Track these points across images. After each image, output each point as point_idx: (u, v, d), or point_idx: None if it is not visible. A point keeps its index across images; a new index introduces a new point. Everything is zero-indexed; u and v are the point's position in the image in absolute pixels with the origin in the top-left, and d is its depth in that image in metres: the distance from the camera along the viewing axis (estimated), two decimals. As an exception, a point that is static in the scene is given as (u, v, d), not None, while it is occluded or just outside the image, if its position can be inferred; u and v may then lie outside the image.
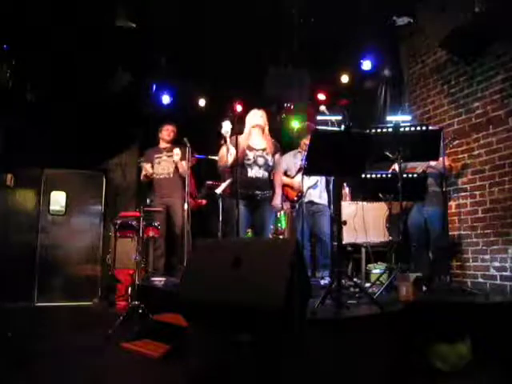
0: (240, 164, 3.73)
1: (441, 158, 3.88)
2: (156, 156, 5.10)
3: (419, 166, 4.24)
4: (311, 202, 4.63)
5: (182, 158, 4.79)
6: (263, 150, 3.92)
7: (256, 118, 3.94)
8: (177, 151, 4.84)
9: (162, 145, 5.16)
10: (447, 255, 4.13)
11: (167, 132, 5.12)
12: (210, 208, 5.40)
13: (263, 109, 4.08)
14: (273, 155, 3.98)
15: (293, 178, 4.72)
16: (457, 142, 4.47)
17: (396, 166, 3.82)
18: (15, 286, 5.28)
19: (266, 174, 3.93)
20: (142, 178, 5.16)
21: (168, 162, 5.02)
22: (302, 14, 4.90)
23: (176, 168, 4.91)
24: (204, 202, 5.57)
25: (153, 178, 5.07)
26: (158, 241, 4.99)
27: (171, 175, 4.96)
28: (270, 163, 3.96)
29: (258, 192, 3.85)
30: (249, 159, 3.85)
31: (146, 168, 5.01)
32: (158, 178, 5.05)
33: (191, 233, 4.87)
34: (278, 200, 4.07)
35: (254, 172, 3.86)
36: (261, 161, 3.89)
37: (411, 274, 3.13)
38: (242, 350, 2.08)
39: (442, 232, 4.21)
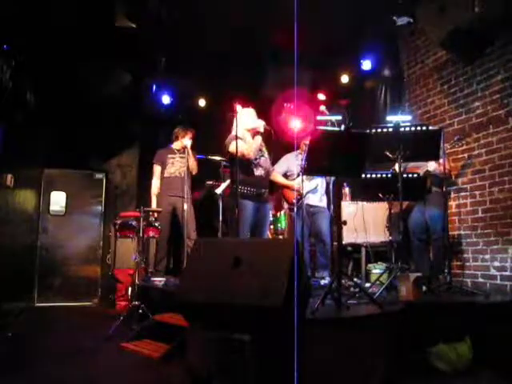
0: (243, 163, 3.73)
1: (440, 160, 3.88)
2: (169, 156, 5.05)
3: (422, 167, 4.23)
4: (311, 206, 4.61)
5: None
6: (261, 150, 3.94)
7: (259, 123, 3.91)
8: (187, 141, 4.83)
9: (177, 146, 5.07)
10: (447, 255, 4.13)
11: (189, 136, 4.97)
12: (210, 208, 5.39)
13: (259, 108, 4.09)
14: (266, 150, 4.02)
15: (294, 179, 4.69)
16: (463, 141, 4.45)
17: (397, 166, 3.82)
18: (15, 286, 5.29)
19: (265, 172, 3.95)
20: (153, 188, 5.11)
21: (181, 163, 4.97)
22: (302, 14, 4.90)
23: (187, 169, 4.85)
24: (197, 194, 5.55)
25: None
26: (161, 242, 4.95)
27: (182, 175, 4.90)
28: (269, 161, 3.98)
29: (264, 190, 3.88)
30: (256, 159, 3.87)
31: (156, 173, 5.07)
32: (168, 176, 5.00)
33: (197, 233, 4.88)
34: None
35: (259, 171, 3.88)
36: (263, 160, 3.91)
37: (411, 274, 3.13)
38: (241, 350, 2.08)
39: (443, 232, 4.21)
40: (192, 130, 5.05)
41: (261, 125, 3.85)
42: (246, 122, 3.88)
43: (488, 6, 3.79)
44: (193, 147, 4.74)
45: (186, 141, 4.77)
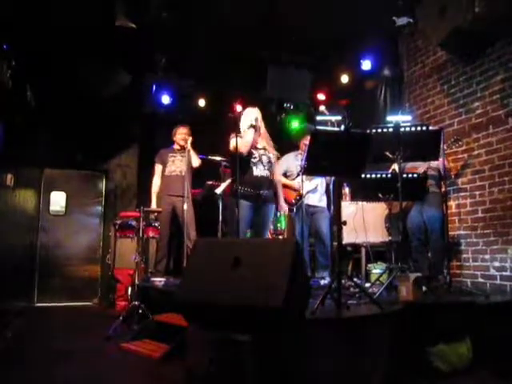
0: (244, 161, 3.70)
1: (440, 159, 3.89)
2: (170, 155, 5.05)
3: (421, 167, 4.25)
4: (310, 206, 4.60)
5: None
6: (264, 148, 3.91)
7: (251, 117, 3.89)
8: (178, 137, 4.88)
9: (177, 146, 5.08)
10: (446, 256, 4.13)
11: (181, 136, 4.98)
12: (210, 208, 5.38)
13: (259, 108, 4.07)
14: (272, 154, 3.98)
15: (293, 179, 4.69)
16: (460, 143, 4.45)
17: (395, 166, 3.82)
18: (15, 286, 5.29)
19: (269, 173, 3.91)
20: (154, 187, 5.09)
21: (181, 162, 4.94)
22: (302, 14, 4.90)
23: (188, 168, 4.84)
24: (197, 191, 5.54)
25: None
26: (161, 242, 4.93)
27: (182, 173, 4.86)
28: (273, 161, 3.94)
29: (263, 191, 3.82)
30: (255, 157, 3.80)
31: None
32: (168, 175, 4.98)
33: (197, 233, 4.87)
34: (282, 201, 4.14)
35: (259, 171, 3.82)
36: (265, 159, 3.87)
37: (411, 274, 3.13)
38: (241, 350, 2.08)
39: (441, 233, 4.21)
40: (185, 126, 5.07)
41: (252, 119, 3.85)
42: (244, 121, 3.89)
43: (488, 6, 3.79)
44: (193, 145, 4.74)
45: (179, 136, 4.79)
